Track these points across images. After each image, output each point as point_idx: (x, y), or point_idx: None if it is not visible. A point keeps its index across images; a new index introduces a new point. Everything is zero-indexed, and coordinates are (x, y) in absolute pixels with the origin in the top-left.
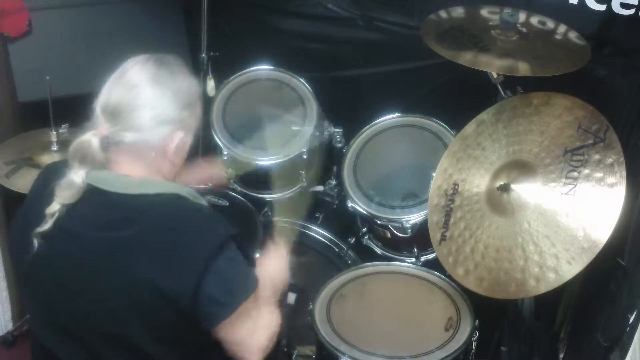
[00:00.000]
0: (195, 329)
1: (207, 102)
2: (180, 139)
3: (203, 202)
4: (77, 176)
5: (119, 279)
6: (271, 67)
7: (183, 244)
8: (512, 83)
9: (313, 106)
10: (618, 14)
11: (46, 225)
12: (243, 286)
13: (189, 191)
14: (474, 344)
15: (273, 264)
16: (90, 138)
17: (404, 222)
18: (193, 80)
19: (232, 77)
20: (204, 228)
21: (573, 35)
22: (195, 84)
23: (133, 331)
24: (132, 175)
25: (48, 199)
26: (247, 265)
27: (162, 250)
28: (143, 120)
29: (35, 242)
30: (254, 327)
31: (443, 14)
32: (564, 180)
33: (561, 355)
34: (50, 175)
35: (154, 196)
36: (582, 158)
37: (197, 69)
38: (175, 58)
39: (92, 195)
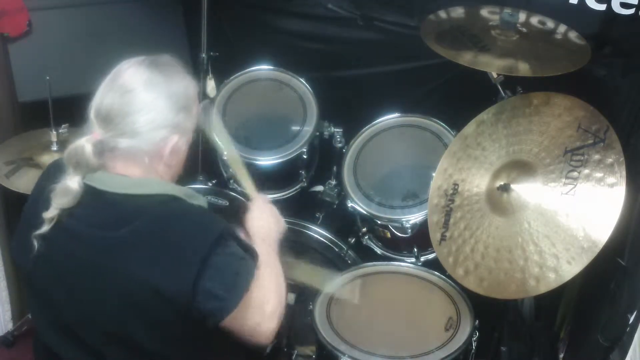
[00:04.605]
0: (196, 327)
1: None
2: (175, 142)
3: (201, 201)
4: (73, 182)
5: (117, 278)
6: (271, 67)
7: (177, 244)
8: (512, 83)
9: (313, 106)
10: (618, 13)
11: (45, 228)
12: (242, 278)
13: (185, 192)
14: (474, 344)
15: (257, 220)
16: (84, 144)
17: (404, 222)
18: (190, 82)
19: (232, 77)
20: (197, 227)
21: (573, 35)
22: (192, 85)
23: (134, 330)
24: (128, 176)
25: (46, 202)
26: (245, 257)
27: (157, 250)
28: (137, 126)
29: (36, 243)
30: (262, 313)
31: (443, 14)
32: (564, 180)
33: (561, 355)
34: (52, 174)
35: (148, 196)
36: (582, 158)
37: (197, 69)
38: (172, 59)
39: (90, 195)
